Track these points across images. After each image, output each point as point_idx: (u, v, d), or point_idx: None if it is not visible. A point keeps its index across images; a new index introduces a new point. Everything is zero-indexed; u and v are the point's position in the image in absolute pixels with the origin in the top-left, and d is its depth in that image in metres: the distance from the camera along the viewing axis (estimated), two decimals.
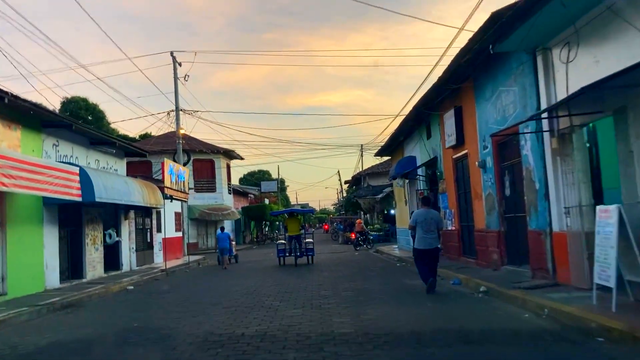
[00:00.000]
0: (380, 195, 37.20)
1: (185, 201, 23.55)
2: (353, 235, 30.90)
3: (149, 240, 22.14)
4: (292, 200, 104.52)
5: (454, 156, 15.04)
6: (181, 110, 29.68)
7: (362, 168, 42.56)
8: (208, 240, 38.13)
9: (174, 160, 28.60)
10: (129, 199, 16.06)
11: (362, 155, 43.24)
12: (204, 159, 38.44)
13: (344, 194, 61.83)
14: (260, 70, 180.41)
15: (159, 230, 23.44)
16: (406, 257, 18.77)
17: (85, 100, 47.67)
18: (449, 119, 14.55)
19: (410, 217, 12.18)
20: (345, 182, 56.06)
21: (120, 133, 40.32)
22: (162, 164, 20.42)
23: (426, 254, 10.18)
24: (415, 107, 16.38)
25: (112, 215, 18.71)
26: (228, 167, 41.91)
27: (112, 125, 46.07)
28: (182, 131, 30.38)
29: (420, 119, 18.39)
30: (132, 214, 19.99)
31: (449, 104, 14.76)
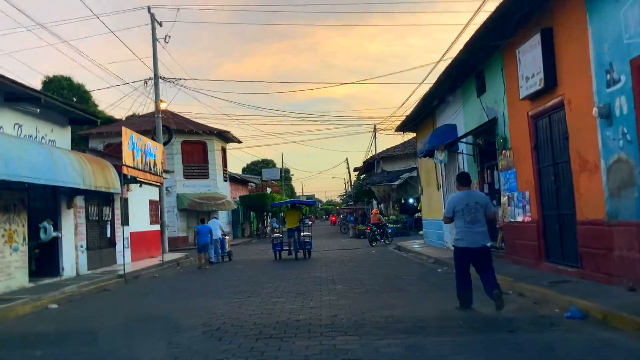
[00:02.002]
0: (397, 182, 32.12)
1: (157, 185, 18.62)
2: (368, 227, 25.91)
3: (109, 235, 17.22)
4: (298, 191, 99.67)
5: (534, 110, 9.97)
6: (161, 78, 24.71)
7: (376, 151, 37.53)
8: None
9: (152, 138, 23.76)
10: (53, 178, 11.10)
11: (375, 137, 38.19)
12: (195, 141, 33.49)
13: (353, 183, 56.77)
14: (266, 62, 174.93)
15: (125, 222, 18.53)
16: (445, 258, 13.91)
17: (68, 79, 43.12)
18: (531, 51, 9.47)
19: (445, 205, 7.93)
20: (355, 170, 51.00)
21: (106, 115, 35.55)
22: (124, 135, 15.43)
23: (469, 254, 7.19)
24: (469, 46, 11.31)
25: (47, 202, 13.83)
26: (223, 150, 36.96)
27: (100, 107, 41.69)
28: (163, 105, 25.44)
29: (466, 71, 13.38)
30: (79, 200, 15.09)
31: (528, 28, 9.69)
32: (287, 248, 17.99)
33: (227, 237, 21.15)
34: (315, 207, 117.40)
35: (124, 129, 15.47)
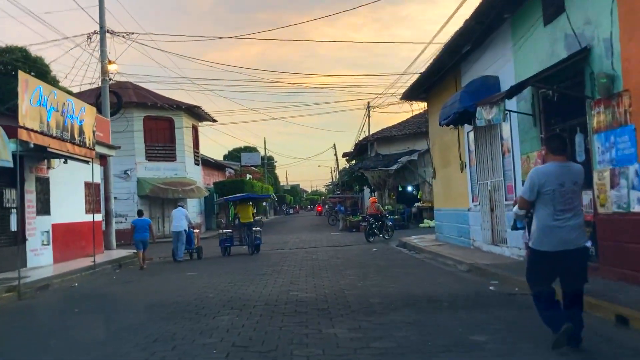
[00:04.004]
0: (394, 167, 27.75)
1: (86, 161, 13.87)
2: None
3: (14, 228, 12.51)
4: (282, 180, 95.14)
5: None
6: (109, 31, 19.85)
7: (369, 132, 32.98)
8: (165, 224, 28.41)
9: (98, 107, 19.10)
10: None
11: (369, 116, 33.59)
12: (159, 117, 28.68)
13: (340, 170, 52.24)
14: (252, 51, 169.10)
15: (44, 211, 13.86)
16: (483, 265, 9.72)
17: (24, 51, 37.87)
18: None
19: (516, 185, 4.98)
20: (344, 155, 46.45)
21: (66, 89, 30.49)
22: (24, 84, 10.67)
23: (557, 262, 4.58)
24: None
25: None
26: (195, 129, 32.19)
27: (62, 84, 36.71)
28: (113, 67, 20.54)
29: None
30: None
31: None
32: (238, 243, 17.18)
33: (196, 231, 17.06)
34: (300, 196, 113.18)
35: (21, 74, 10.76)
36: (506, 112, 9.81)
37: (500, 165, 11.23)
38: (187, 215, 16.82)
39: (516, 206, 5.15)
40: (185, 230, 16.12)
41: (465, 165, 13.62)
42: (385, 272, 10.31)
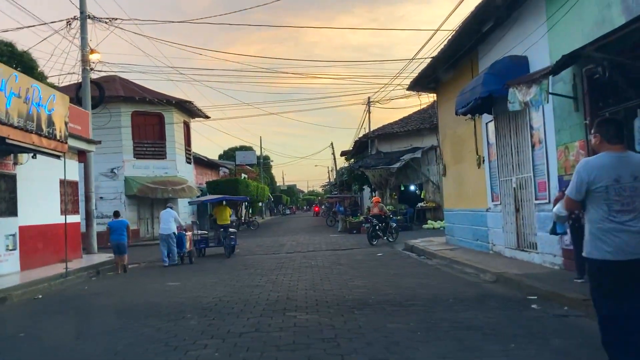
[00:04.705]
0: (396, 165, 26.29)
1: (56, 156, 12.28)
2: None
3: None
4: (278, 180, 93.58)
5: None
6: (90, 17, 18.28)
7: (370, 129, 31.47)
8: (154, 226, 26.83)
9: (78, 98, 17.67)
10: None
11: (369, 112, 32.07)
12: (148, 112, 27.10)
13: (338, 169, 50.77)
14: (250, 51, 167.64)
15: (10, 212, 12.32)
16: (513, 275, 8.26)
17: (10, 45, 36.25)
18: None
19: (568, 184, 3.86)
20: (342, 154, 44.99)
21: (53, 85, 28.87)
22: None
23: (618, 272, 3.49)
24: None
25: None
26: (186, 126, 30.65)
27: (50, 80, 35.08)
28: (96, 56, 18.99)
29: None
30: None
31: None
32: (214, 245, 16.83)
33: (188, 233, 15.58)
34: (297, 197, 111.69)
35: None
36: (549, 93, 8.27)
37: (528, 159, 9.75)
38: (177, 216, 15.41)
39: (557, 206, 4.04)
40: (174, 233, 14.77)
41: (484, 160, 12.16)
42: (398, 284, 8.81)
